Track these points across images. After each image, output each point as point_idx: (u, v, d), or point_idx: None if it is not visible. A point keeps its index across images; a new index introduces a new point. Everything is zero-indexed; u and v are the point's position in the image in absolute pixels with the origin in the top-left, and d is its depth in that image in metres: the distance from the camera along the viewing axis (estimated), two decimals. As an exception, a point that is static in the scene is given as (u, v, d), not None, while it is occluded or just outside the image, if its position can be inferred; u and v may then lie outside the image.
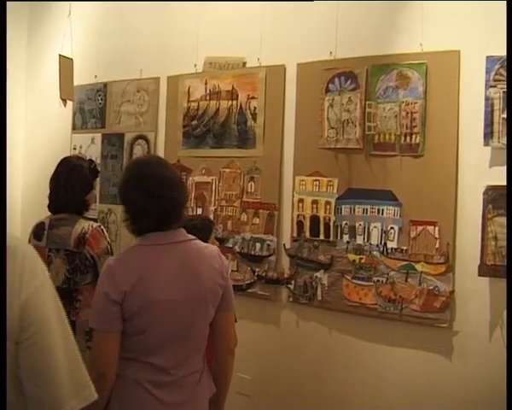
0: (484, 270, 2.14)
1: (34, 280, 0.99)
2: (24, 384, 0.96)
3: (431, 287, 2.26)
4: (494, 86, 2.16)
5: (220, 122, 2.83)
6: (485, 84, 2.17)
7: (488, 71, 2.17)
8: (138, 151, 3.14)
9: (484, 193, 2.16)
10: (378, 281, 2.38)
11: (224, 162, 2.82)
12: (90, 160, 2.16)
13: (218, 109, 2.84)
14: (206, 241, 2.10)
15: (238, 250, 2.76)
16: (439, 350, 2.25)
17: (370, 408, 2.38)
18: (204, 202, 2.88)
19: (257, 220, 2.70)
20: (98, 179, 2.22)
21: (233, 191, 2.79)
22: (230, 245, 2.78)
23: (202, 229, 2.02)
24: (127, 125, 3.19)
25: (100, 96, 3.27)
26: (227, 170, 2.82)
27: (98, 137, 3.28)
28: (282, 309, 2.65)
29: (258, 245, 2.69)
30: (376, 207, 2.40)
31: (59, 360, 0.99)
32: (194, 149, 2.93)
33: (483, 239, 2.15)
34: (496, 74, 2.16)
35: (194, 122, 2.92)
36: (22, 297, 0.96)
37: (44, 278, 1.02)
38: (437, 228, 2.26)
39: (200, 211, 2.89)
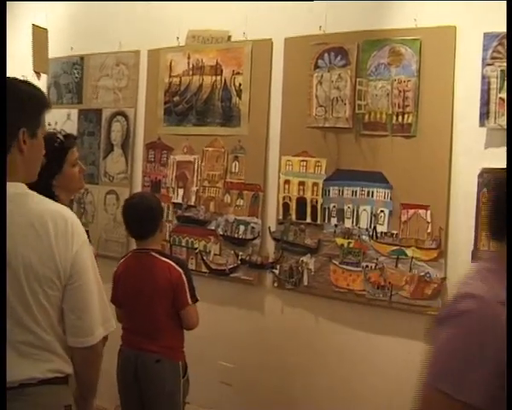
0: (477, 256, 2.05)
1: (80, 237, 1.30)
2: (68, 317, 1.28)
3: (422, 273, 2.19)
4: (491, 64, 2.06)
5: (203, 99, 2.73)
6: (482, 62, 2.07)
7: (485, 48, 2.07)
8: (117, 128, 3.01)
9: (479, 176, 2.08)
10: (367, 266, 2.31)
11: (207, 141, 2.73)
12: (60, 132, 1.91)
13: (201, 85, 2.74)
14: (155, 226, 2.13)
15: (221, 233, 2.68)
16: None
17: (358, 399, 2.32)
18: (186, 182, 2.79)
19: (241, 202, 2.62)
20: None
21: (216, 171, 2.70)
22: (213, 228, 2.70)
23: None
24: (105, 100, 3.06)
25: (76, 69, 3.13)
26: (210, 149, 2.73)
27: (74, 112, 3.15)
28: (266, 295, 2.59)
29: (241, 228, 2.61)
30: (366, 190, 2.33)
31: (94, 299, 1.32)
32: (176, 126, 2.82)
33: (477, 224, 2.07)
34: (493, 52, 2.06)
35: (176, 98, 2.81)
36: (74, 250, 1.27)
37: (85, 237, 1.33)
38: (429, 212, 2.19)
39: (181, 192, 2.79)
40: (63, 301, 1.28)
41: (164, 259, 2.11)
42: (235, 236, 2.62)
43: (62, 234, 1.26)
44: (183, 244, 2.76)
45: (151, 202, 2.19)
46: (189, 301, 2.07)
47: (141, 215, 2.11)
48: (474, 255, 2.07)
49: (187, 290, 2.07)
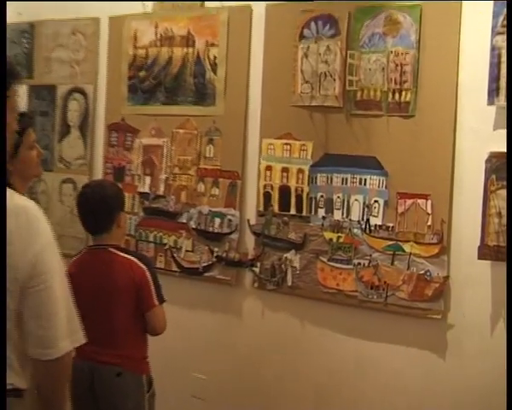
0: (485, 252, 1.98)
1: (44, 236, 1.27)
2: (27, 324, 1.24)
3: (422, 271, 2.12)
4: (502, 33, 1.94)
5: (173, 74, 2.64)
6: (492, 31, 1.97)
7: (495, 15, 1.96)
8: (74, 107, 2.91)
9: (486, 161, 1.99)
10: (359, 264, 2.24)
11: (178, 122, 2.64)
12: None
13: (170, 58, 2.65)
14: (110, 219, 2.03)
15: (194, 226, 2.59)
16: (431, 346, 2.14)
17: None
18: (153, 168, 2.69)
19: (216, 191, 2.54)
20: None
21: (188, 156, 2.61)
22: (184, 220, 2.61)
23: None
24: (60, 75, 2.96)
25: (26, 38, 3.00)
26: (181, 131, 2.63)
27: (24, 89, 2.96)
28: (245, 296, 2.53)
29: (217, 221, 2.53)
30: (358, 177, 2.25)
31: (59, 306, 1.27)
32: (142, 105, 2.73)
33: (484, 215, 1.98)
34: (505, 19, 1.94)
35: (142, 73, 2.72)
36: (35, 249, 1.24)
37: (51, 237, 1.30)
38: (429, 202, 2.11)
39: (148, 180, 2.69)
40: (24, 305, 1.23)
41: (124, 255, 2.00)
42: (210, 230, 2.55)
43: (22, 231, 1.23)
44: (151, 239, 2.67)
45: (106, 191, 2.05)
46: (156, 301, 1.97)
47: (94, 207, 1.99)
48: (481, 252, 1.98)
49: (152, 290, 1.97)
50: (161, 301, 1.99)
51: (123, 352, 1.97)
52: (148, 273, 1.97)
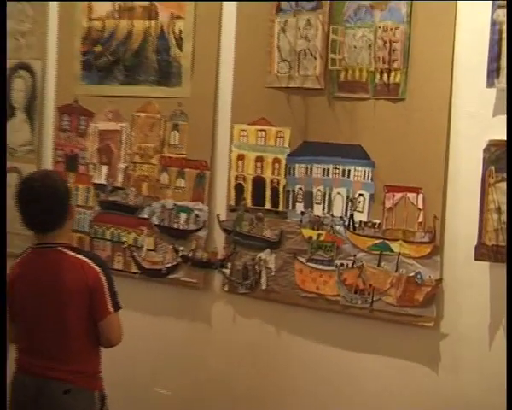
0: (482, 252, 1.91)
1: None
2: None
3: (412, 274, 2.07)
4: (503, 7, 1.86)
5: (133, 49, 2.56)
6: (492, 4, 1.91)
7: None
8: (19, 86, 2.81)
9: (485, 150, 1.91)
10: (342, 265, 2.19)
11: (139, 104, 2.56)
12: None
13: (130, 32, 2.56)
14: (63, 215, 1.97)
15: (156, 222, 2.52)
16: (422, 358, 2.09)
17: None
18: (111, 157, 2.60)
19: (182, 183, 2.47)
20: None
21: (150, 143, 2.54)
22: (146, 216, 2.54)
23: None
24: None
25: None
26: (142, 115, 2.56)
27: None
28: (214, 301, 2.48)
29: (183, 216, 2.47)
30: (341, 168, 2.20)
31: None
32: (98, 85, 2.65)
33: (482, 211, 1.91)
34: None
35: (98, 48, 2.63)
36: None
37: None
38: (421, 196, 2.06)
39: (105, 169, 2.63)
40: None
41: (76, 255, 1.90)
42: (175, 226, 2.48)
43: None
44: (108, 237, 2.59)
45: (57, 183, 1.94)
46: (111, 308, 1.87)
47: (47, 202, 1.87)
48: (479, 252, 1.91)
49: (107, 295, 1.87)
50: (117, 308, 1.89)
51: (73, 366, 1.87)
52: (102, 276, 1.87)
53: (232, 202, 2.38)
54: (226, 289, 2.41)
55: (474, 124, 1.97)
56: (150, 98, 2.53)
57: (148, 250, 2.51)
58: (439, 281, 2.02)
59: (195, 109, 2.44)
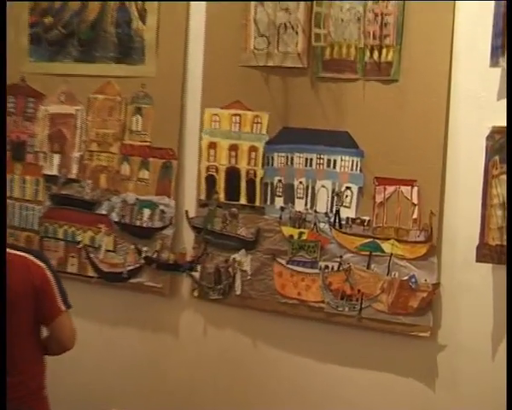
0: (485, 253, 1.85)
1: None
2: None
3: (405, 277, 2.02)
4: None
5: (89, 21, 2.47)
6: None
7: None
8: None
9: (488, 137, 1.85)
10: (327, 267, 2.14)
11: (96, 84, 2.48)
12: None
13: (85, 1, 2.48)
14: None
15: (116, 219, 2.45)
16: (417, 372, 2.04)
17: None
18: (63, 144, 2.53)
19: (145, 174, 2.40)
20: None
21: (109, 129, 2.47)
22: (104, 212, 2.47)
23: None
24: None
25: None
26: (100, 96, 2.48)
27: None
28: (182, 309, 2.41)
29: (146, 212, 2.40)
30: (326, 157, 2.14)
31: None
32: (49, 61, 2.56)
33: (484, 207, 1.85)
34: None
35: (48, 19, 2.55)
36: None
37: None
38: (416, 189, 2.00)
39: (57, 159, 2.56)
40: None
41: (17, 252, 1.82)
42: (137, 223, 2.41)
43: None
44: (60, 236, 2.51)
45: None
46: (62, 306, 1.81)
47: None
48: (481, 252, 1.86)
49: (56, 293, 1.81)
50: (68, 306, 1.82)
51: (14, 379, 1.74)
52: (48, 272, 1.80)
53: (202, 197, 2.33)
54: (196, 294, 2.36)
55: (476, 108, 1.92)
56: (109, 78, 2.47)
57: (107, 251, 2.46)
58: (436, 285, 1.98)
59: (161, 91, 2.38)
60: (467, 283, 1.95)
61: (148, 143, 2.40)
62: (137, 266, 2.41)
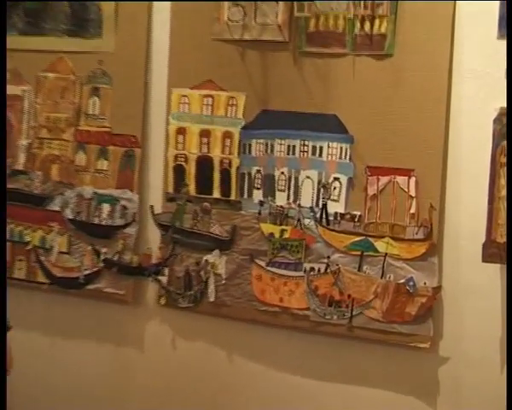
0: (492, 252, 1.80)
1: None
2: None
3: (402, 280, 1.95)
4: None
5: None
6: None
7: None
8: None
9: (495, 120, 1.79)
10: (312, 270, 2.08)
11: (46, 61, 2.39)
12: None
13: None
14: None
15: (71, 217, 2.36)
16: (416, 389, 1.97)
17: None
18: (9, 131, 2.42)
19: (104, 164, 2.33)
20: None
21: (62, 113, 2.39)
22: (57, 208, 2.39)
23: None
24: None
25: None
26: (50, 75, 2.39)
27: None
28: (147, 319, 2.34)
29: (106, 208, 2.34)
30: (311, 144, 2.08)
31: None
32: None
33: (491, 199, 1.80)
34: None
35: None
36: None
37: None
38: (413, 180, 1.94)
39: None
40: None
41: None
42: (95, 221, 2.34)
43: None
44: (6, 236, 2.40)
45: None
46: None
47: None
48: (487, 251, 1.81)
49: None
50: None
51: None
52: None
53: (170, 190, 2.27)
54: (163, 302, 2.29)
55: (481, 86, 1.85)
56: (61, 53, 2.37)
57: (60, 253, 2.39)
58: (437, 289, 1.92)
59: (121, 68, 2.30)
60: (472, 286, 1.89)
61: (106, 129, 2.33)
62: (95, 270, 2.35)
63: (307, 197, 2.08)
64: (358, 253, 2.00)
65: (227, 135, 2.18)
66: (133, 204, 2.29)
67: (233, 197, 2.19)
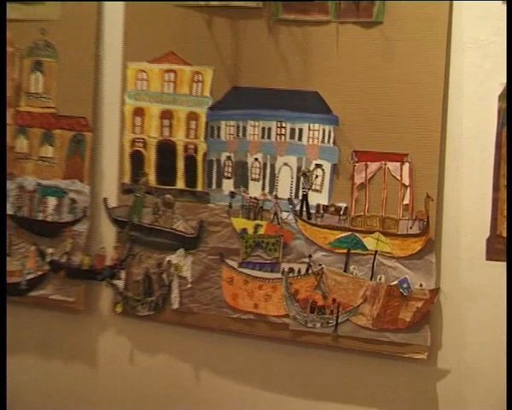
0: (497, 248, 1.75)
1: None
2: None
3: (394, 282, 1.87)
4: None
5: None
6: None
7: None
8: None
9: (501, 97, 1.73)
10: (291, 271, 1.99)
11: None
12: None
13: None
14: None
15: (11, 212, 2.27)
16: (411, 407, 1.90)
17: None
18: None
19: (49, 151, 2.22)
20: None
21: None
22: None
23: None
24: None
25: None
26: None
27: None
28: (101, 330, 2.24)
29: (51, 201, 2.24)
30: (289, 126, 1.99)
31: None
32: None
33: (496, 188, 1.74)
34: None
35: None
36: None
37: None
38: (407, 166, 1.86)
39: None
40: None
41: None
42: (40, 217, 2.25)
43: None
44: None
45: None
46: None
47: None
48: (492, 247, 1.77)
49: None
50: None
51: None
52: None
53: (127, 180, 2.17)
54: (119, 310, 2.20)
55: (484, 58, 1.77)
56: None
57: None
58: (435, 292, 1.84)
59: (68, 39, 2.18)
60: (475, 287, 1.82)
61: (52, 110, 2.23)
62: (40, 273, 2.25)
63: (285, 187, 2.00)
64: (344, 251, 1.93)
65: (192, 116, 2.09)
66: (83, 197, 2.21)
67: (199, 188, 2.11)
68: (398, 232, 1.86)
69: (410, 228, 1.85)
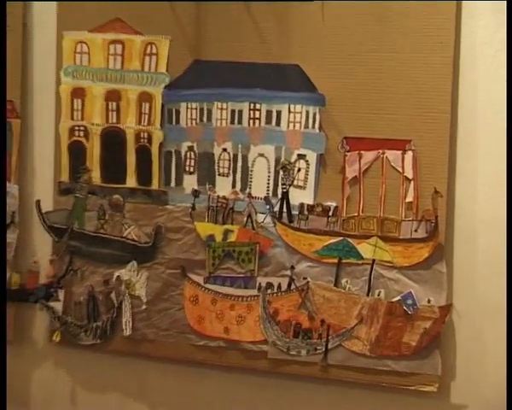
0: None
1: None
2: None
3: (397, 297, 1.77)
4: None
5: None
6: None
7: None
8: None
9: None
10: (270, 286, 1.88)
11: None
12: None
13: None
14: None
15: None
16: None
17: None
18: None
19: None
20: None
21: None
22: None
23: None
24: None
25: None
26: None
27: None
28: (35, 363, 2.11)
29: None
30: (264, 108, 1.87)
31: None
32: None
33: None
34: None
35: None
36: None
37: None
38: (410, 155, 1.75)
39: None
40: None
41: None
42: None
43: None
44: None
45: None
46: None
47: None
48: None
49: None
50: None
51: None
52: None
53: (65, 178, 2.05)
54: (57, 339, 2.06)
55: (501, 24, 1.66)
56: None
57: None
58: (447, 309, 1.73)
59: None
60: (494, 303, 1.71)
61: None
62: None
63: (261, 184, 1.89)
64: (335, 260, 1.82)
65: (145, 97, 1.96)
66: (11, 199, 2.08)
67: (155, 186, 1.98)
68: (400, 237, 1.76)
69: (415, 231, 1.75)
